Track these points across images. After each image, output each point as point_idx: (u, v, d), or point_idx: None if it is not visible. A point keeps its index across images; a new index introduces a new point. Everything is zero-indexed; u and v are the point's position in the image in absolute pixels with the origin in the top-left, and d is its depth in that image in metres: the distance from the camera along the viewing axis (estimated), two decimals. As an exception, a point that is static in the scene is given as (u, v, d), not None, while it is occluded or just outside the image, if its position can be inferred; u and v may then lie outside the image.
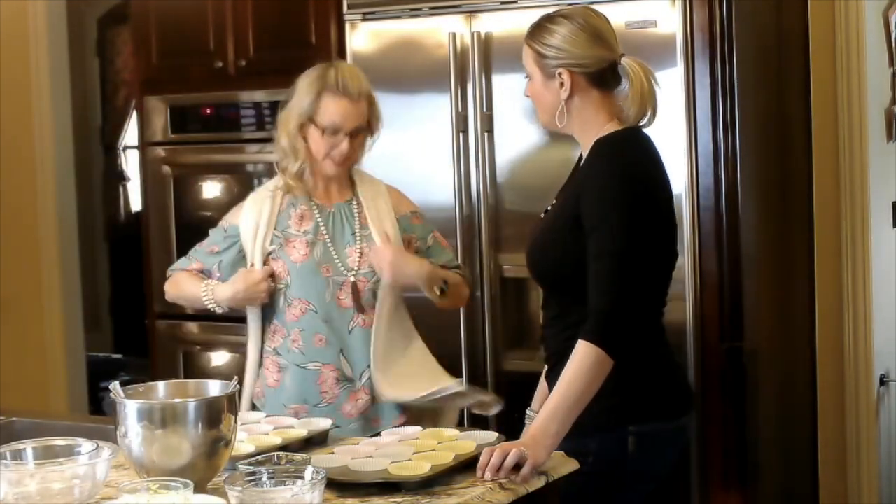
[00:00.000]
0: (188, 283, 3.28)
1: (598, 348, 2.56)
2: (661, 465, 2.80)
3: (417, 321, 4.01)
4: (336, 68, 3.18)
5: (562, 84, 2.73)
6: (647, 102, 2.74)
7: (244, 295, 3.18)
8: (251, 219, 3.23)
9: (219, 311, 3.25)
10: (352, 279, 3.17)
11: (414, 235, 3.29)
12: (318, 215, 3.21)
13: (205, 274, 3.27)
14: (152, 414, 2.31)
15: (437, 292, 3.21)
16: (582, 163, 2.79)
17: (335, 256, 3.18)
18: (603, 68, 2.73)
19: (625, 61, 2.74)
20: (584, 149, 2.79)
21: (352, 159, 3.22)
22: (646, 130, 2.81)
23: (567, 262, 2.71)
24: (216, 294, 3.21)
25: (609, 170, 2.69)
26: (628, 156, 2.72)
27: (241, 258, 3.24)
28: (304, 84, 3.18)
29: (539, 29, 2.77)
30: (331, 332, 3.17)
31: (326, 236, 3.19)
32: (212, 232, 3.31)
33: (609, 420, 2.68)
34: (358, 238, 3.20)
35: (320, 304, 3.16)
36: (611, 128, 2.75)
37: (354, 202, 3.25)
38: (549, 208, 2.86)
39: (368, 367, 3.18)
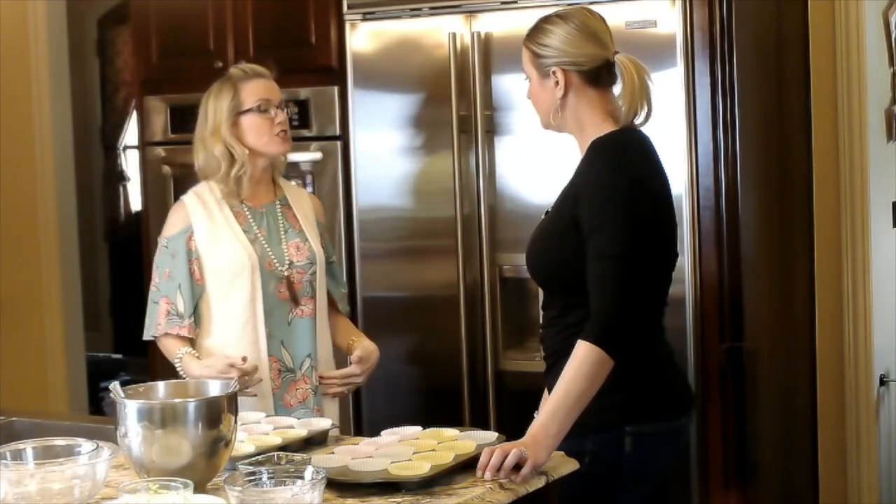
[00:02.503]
0: (168, 349, 3.30)
1: (599, 349, 2.57)
2: (659, 466, 2.80)
3: (417, 320, 4.01)
4: (236, 67, 3.36)
5: (556, 83, 2.74)
6: (639, 99, 2.74)
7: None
8: (203, 225, 3.27)
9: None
10: (286, 273, 3.27)
11: (324, 246, 3.41)
12: (250, 216, 3.31)
13: (172, 308, 3.27)
14: (152, 414, 2.31)
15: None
16: (579, 164, 2.80)
17: (271, 252, 3.27)
18: (598, 66, 2.74)
19: (617, 58, 2.74)
20: (582, 149, 2.79)
21: (289, 137, 3.32)
22: (646, 130, 2.82)
23: (566, 264, 2.71)
24: (187, 369, 3.21)
25: (607, 171, 2.69)
26: (626, 157, 2.72)
27: (188, 267, 3.26)
28: (214, 95, 3.31)
29: (536, 30, 2.79)
30: (273, 324, 3.26)
31: (261, 234, 3.29)
32: (156, 259, 3.33)
33: (606, 420, 2.68)
34: (289, 234, 3.32)
35: (265, 298, 3.26)
36: (607, 128, 2.75)
37: (280, 204, 3.36)
38: (549, 209, 2.86)
39: (309, 356, 3.30)
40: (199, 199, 3.31)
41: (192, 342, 3.28)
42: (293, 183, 3.58)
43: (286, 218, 3.35)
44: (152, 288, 3.31)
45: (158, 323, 3.27)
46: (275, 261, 3.27)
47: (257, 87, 3.28)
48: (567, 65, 2.73)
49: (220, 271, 3.25)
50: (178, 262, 3.27)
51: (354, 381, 3.35)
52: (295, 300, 3.28)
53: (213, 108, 3.29)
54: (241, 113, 3.26)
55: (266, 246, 3.28)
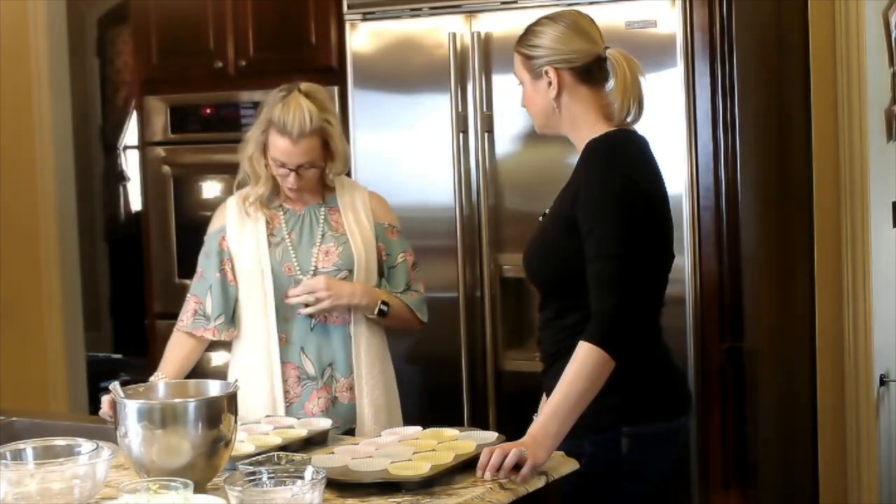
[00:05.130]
0: (169, 348, 3.30)
1: (601, 350, 2.57)
2: (657, 466, 2.80)
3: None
4: (286, 104, 3.16)
5: (549, 83, 2.74)
6: (631, 93, 2.74)
7: None
8: (234, 227, 3.25)
9: None
10: (302, 278, 3.19)
11: (383, 247, 3.30)
12: (284, 219, 3.25)
13: (200, 308, 3.25)
14: (152, 414, 2.31)
15: (376, 314, 3.21)
16: (576, 165, 2.80)
17: (294, 256, 3.21)
18: (589, 62, 2.74)
19: (609, 52, 2.74)
20: (578, 149, 2.79)
21: (306, 189, 3.24)
22: (646, 130, 2.82)
23: (563, 265, 2.71)
24: None
25: (604, 172, 2.69)
26: (622, 157, 2.72)
27: (220, 268, 3.24)
28: (263, 110, 3.22)
29: (525, 34, 2.81)
30: (292, 330, 3.20)
31: (289, 238, 3.23)
32: (199, 256, 3.33)
33: (603, 421, 2.67)
34: (325, 239, 3.23)
35: (281, 303, 3.20)
36: (601, 128, 2.75)
37: (325, 207, 3.27)
38: (547, 211, 2.86)
39: (331, 364, 3.21)
40: (239, 200, 3.26)
41: (220, 344, 3.29)
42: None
43: (329, 222, 3.25)
44: (191, 283, 3.32)
45: (182, 319, 3.26)
46: (295, 266, 3.20)
47: (279, 147, 3.16)
48: (558, 62, 2.73)
49: (241, 275, 3.23)
50: (211, 263, 3.25)
51: (319, 296, 3.16)
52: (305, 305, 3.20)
53: (257, 121, 3.23)
54: (264, 151, 3.21)
55: (291, 251, 3.21)
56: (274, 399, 3.18)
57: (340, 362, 3.22)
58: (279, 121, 3.14)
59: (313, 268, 3.20)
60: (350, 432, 3.17)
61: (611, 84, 2.76)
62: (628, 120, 2.77)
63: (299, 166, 3.17)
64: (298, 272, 3.20)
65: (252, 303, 3.21)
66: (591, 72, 2.75)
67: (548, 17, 2.79)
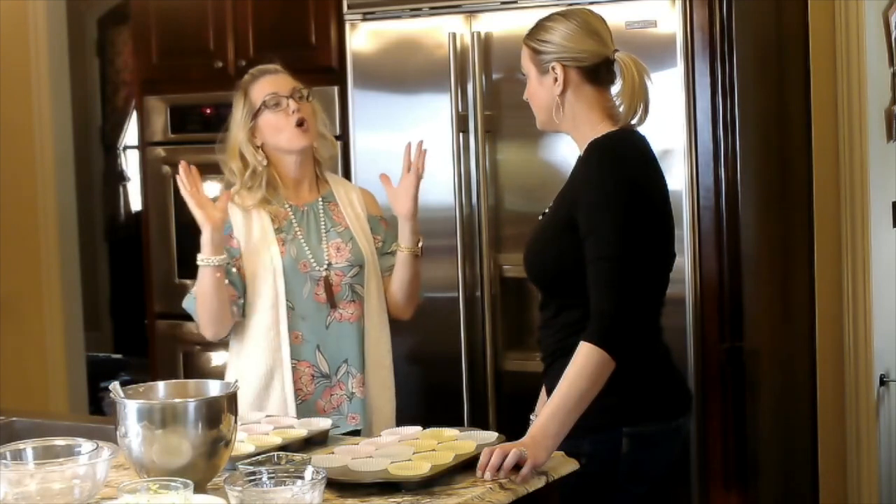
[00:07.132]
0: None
1: (601, 350, 2.57)
2: (656, 466, 2.80)
3: (417, 320, 4.01)
4: (248, 74, 3.32)
5: (555, 79, 2.74)
6: (638, 97, 2.74)
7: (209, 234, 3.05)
8: (240, 224, 3.21)
9: (214, 263, 3.06)
10: (324, 273, 3.18)
11: (379, 237, 3.34)
12: (291, 214, 3.24)
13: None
14: (152, 414, 2.31)
15: (419, 247, 3.27)
16: (575, 164, 2.80)
17: (309, 252, 3.20)
18: (597, 63, 2.74)
19: (618, 56, 2.75)
20: (580, 148, 2.79)
21: (312, 128, 3.23)
22: (647, 130, 2.82)
23: (563, 264, 2.72)
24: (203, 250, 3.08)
25: (604, 172, 2.69)
26: (623, 157, 2.72)
27: (237, 266, 3.19)
28: (233, 106, 3.28)
29: (536, 28, 2.80)
30: (308, 328, 3.19)
31: (300, 234, 3.22)
32: None
33: (603, 420, 2.67)
34: (330, 234, 3.24)
35: (298, 301, 3.18)
36: (604, 128, 2.76)
37: (325, 201, 3.29)
38: (547, 210, 2.87)
39: (346, 361, 3.21)
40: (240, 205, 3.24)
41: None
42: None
43: (330, 216, 3.27)
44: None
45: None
46: (312, 262, 3.19)
47: (264, 84, 3.24)
48: (566, 60, 2.73)
49: (249, 272, 3.19)
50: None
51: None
52: (332, 303, 3.19)
53: (233, 119, 3.26)
54: (256, 115, 3.22)
55: (304, 246, 3.20)
56: (285, 398, 3.16)
57: (354, 359, 3.22)
58: (254, 74, 3.28)
59: (326, 263, 3.20)
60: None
61: (617, 87, 2.76)
62: (633, 122, 2.78)
63: (293, 91, 3.22)
64: (315, 266, 3.19)
65: (260, 304, 3.18)
66: (599, 73, 2.75)
67: (560, 14, 2.79)
